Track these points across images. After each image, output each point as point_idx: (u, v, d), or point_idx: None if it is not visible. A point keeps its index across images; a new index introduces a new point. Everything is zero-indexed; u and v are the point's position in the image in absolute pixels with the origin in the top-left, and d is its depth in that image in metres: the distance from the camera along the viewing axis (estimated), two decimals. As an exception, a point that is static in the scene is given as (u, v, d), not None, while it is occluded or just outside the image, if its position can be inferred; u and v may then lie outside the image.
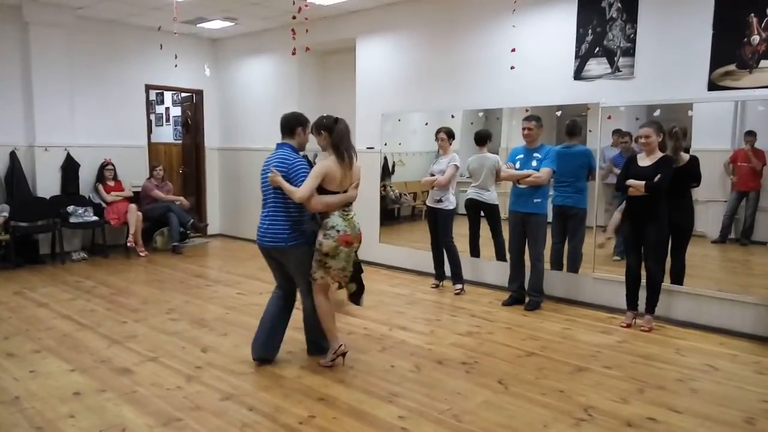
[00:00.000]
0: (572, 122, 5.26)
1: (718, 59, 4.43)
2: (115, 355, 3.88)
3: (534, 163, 4.92)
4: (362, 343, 4.18)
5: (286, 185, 3.46)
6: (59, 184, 7.24)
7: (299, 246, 3.59)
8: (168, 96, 10.82)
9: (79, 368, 3.64)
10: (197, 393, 3.29)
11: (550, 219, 5.21)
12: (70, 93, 7.29)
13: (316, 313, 3.66)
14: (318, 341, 3.84)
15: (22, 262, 6.66)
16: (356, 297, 3.81)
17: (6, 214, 6.43)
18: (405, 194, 7.33)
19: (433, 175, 5.54)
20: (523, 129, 4.99)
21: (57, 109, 7.14)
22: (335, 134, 3.53)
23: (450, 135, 5.52)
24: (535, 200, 4.94)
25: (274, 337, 3.76)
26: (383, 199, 7.00)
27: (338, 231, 3.48)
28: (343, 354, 3.68)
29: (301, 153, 3.71)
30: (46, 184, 7.13)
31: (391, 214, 7.28)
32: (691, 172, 4.52)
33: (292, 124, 3.67)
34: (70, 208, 7.05)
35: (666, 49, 4.69)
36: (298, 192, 3.41)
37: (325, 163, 3.52)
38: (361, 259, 3.78)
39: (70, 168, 7.28)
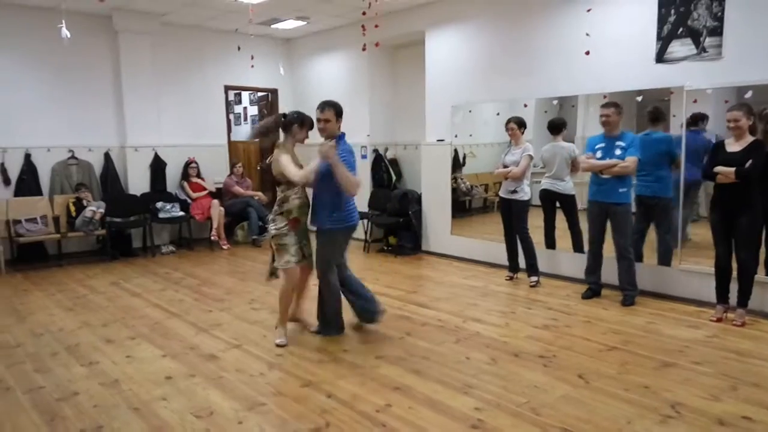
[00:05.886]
0: (655, 108, 4.99)
1: (819, 34, 4.09)
2: (202, 342, 4.10)
3: (618, 152, 4.69)
4: (436, 334, 4.20)
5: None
6: (148, 181, 7.72)
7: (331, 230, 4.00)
8: (245, 96, 11.25)
9: (170, 354, 3.87)
10: (279, 379, 3.43)
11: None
12: (157, 96, 7.74)
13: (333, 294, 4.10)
14: (364, 307, 4.20)
15: (117, 255, 7.17)
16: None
17: (102, 210, 6.92)
18: (476, 186, 7.26)
19: (506, 166, 5.45)
20: (601, 116, 4.79)
21: (145, 112, 7.61)
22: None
23: (520, 124, 5.41)
24: (620, 190, 4.72)
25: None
26: (454, 191, 6.97)
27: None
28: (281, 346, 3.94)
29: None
30: (137, 182, 7.63)
31: (462, 206, 7.24)
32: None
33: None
34: (159, 204, 7.50)
35: (757, 27, 4.37)
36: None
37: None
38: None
39: (157, 167, 7.75)
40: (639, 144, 4.69)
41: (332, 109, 3.89)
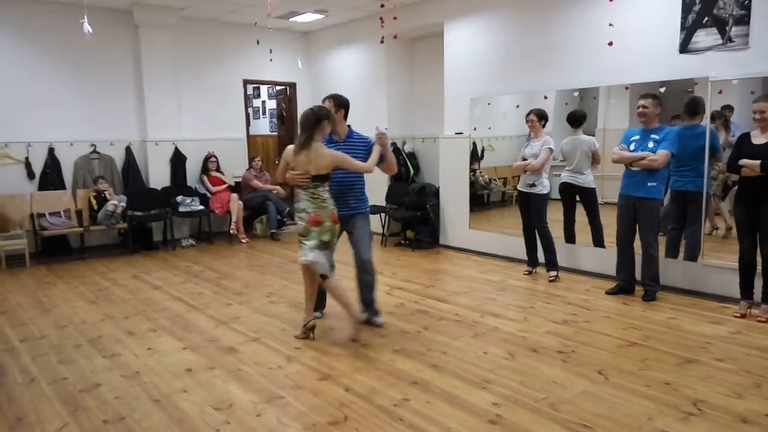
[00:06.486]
0: (693, 100, 4.82)
1: None
2: (222, 335, 4.14)
3: (651, 145, 4.58)
4: (454, 328, 4.18)
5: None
6: (169, 175, 7.80)
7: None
8: (264, 90, 11.28)
9: (190, 347, 3.92)
10: (297, 372, 3.45)
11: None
12: (176, 90, 7.80)
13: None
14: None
15: (138, 248, 7.27)
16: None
17: (124, 204, 7.01)
18: (494, 180, 7.21)
19: (525, 159, 5.39)
20: (638, 107, 4.66)
21: (165, 106, 7.68)
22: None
23: (541, 117, 5.34)
24: (649, 184, 4.60)
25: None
26: (472, 184, 6.92)
27: (308, 213, 3.79)
28: (312, 328, 3.99)
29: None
30: (158, 176, 7.71)
31: (480, 200, 7.19)
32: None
33: None
34: (179, 198, 7.58)
35: (788, 14, 4.27)
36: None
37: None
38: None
39: (177, 161, 7.82)
40: (674, 138, 4.55)
41: (331, 100, 4.12)
